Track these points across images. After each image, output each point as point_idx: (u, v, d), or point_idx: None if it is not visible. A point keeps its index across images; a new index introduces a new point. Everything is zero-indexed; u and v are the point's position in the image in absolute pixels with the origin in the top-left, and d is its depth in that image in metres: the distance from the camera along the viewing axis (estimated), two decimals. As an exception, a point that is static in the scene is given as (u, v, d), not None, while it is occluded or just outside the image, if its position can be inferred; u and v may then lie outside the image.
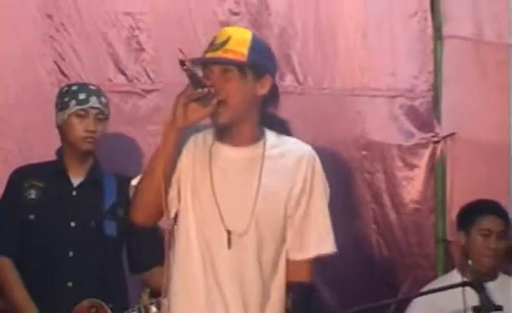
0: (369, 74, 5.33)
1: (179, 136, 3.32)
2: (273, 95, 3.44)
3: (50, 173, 4.44)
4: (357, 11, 5.32)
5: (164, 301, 3.85)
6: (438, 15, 5.40)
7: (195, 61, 3.32)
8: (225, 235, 3.36)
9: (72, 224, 4.37)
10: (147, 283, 4.35)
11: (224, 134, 3.39)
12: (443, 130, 5.39)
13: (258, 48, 3.41)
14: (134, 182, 3.43)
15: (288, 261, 3.43)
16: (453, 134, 5.38)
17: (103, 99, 4.42)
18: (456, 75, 5.43)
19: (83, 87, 4.47)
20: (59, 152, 4.47)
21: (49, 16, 4.98)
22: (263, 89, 3.38)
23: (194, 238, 3.39)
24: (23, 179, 4.42)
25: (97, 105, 4.37)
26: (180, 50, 3.49)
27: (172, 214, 3.41)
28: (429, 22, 5.40)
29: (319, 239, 3.47)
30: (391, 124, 5.36)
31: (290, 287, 3.43)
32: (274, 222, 3.41)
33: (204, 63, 3.34)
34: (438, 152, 5.39)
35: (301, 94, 5.24)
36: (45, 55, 4.98)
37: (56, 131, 4.49)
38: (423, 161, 5.36)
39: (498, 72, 5.37)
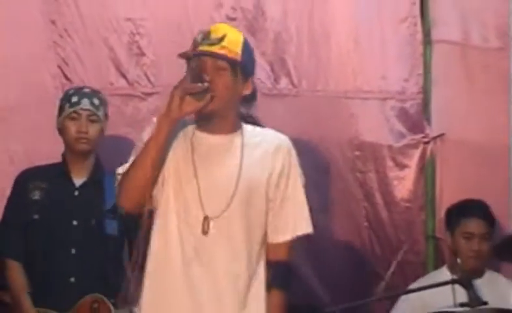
0: (361, 77, 5.33)
1: (172, 127, 3.34)
2: (253, 97, 3.52)
3: (53, 175, 4.47)
4: (350, 17, 5.31)
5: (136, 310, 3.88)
6: (427, 20, 5.39)
7: (193, 54, 3.38)
8: (201, 219, 3.39)
9: (74, 223, 4.41)
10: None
11: (205, 123, 3.45)
12: (432, 131, 5.38)
13: (248, 51, 3.51)
14: (120, 170, 3.45)
15: (267, 243, 3.50)
16: (442, 134, 5.37)
17: (95, 101, 4.44)
18: (445, 78, 5.42)
19: (78, 90, 4.50)
20: (63, 155, 4.50)
21: (53, 22, 5.02)
22: (247, 90, 3.47)
23: (174, 229, 3.41)
24: (28, 181, 4.45)
25: (88, 106, 4.41)
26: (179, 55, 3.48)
27: (153, 205, 3.42)
28: (419, 27, 5.38)
29: (295, 222, 3.53)
30: (382, 126, 5.36)
31: (270, 265, 3.49)
32: (256, 204, 3.46)
33: (195, 55, 3.38)
34: (428, 152, 5.37)
35: (296, 97, 5.26)
36: (49, 59, 5.01)
37: (58, 132, 4.55)
38: (413, 161, 5.36)
39: (485, 75, 5.37)
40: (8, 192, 4.59)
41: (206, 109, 3.35)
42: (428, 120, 5.40)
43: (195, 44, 3.42)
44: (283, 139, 3.55)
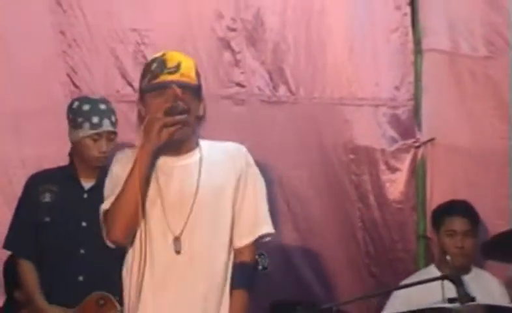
0: (355, 84, 5.35)
1: (151, 156, 3.35)
2: (203, 116, 3.50)
3: (63, 178, 4.46)
4: (344, 28, 5.33)
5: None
6: (418, 30, 5.43)
7: (156, 85, 3.37)
8: (171, 239, 3.40)
9: (83, 224, 4.40)
10: None
11: (165, 147, 3.41)
12: (423, 135, 5.42)
13: (198, 74, 3.50)
14: (106, 206, 3.45)
15: (233, 248, 3.50)
16: (432, 139, 5.42)
17: (113, 118, 4.42)
18: (435, 85, 5.45)
19: (95, 107, 4.40)
20: (71, 157, 4.47)
21: (62, 33, 4.99)
22: (201, 110, 3.47)
23: (138, 250, 3.43)
24: (38, 184, 4.43)
25: (109, 128, 4.38)
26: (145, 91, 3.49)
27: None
28: (410, 37, 5.41)
29: (255, 225, 3.55)
30: (375, 131, 5.38)
31: (234, 266, 3.50)
32: (218, 213, 3.47)
33: (161, 85, 3.37)
34: (419, 156, 5.42)
35: (294, 104, 5.27)
36: (59, 68, 4.99)
37: (67, 137, 4.46)
38: (405, 164, 5.39)
39: (473, 82, 5.40)
40: (19, 193, 4.56)
41: (176, 135, 3.36)
42: (419, 125, 5.43)
43: (153, 74, 3.41)
44: (238, 148, 3.57)
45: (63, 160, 4.52)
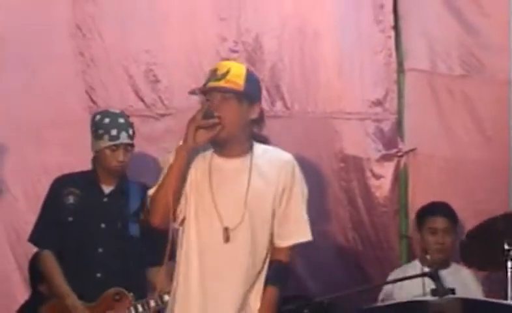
0: (344, 100, 5.35)
1: (188, 155, 3.39)
2: (261, 118, 3.52)
3: (85, 182, 4.45)
4: (335, 50, 5.34)
5: (166, 297, 3.92)
6: (400, 52, 5.44)
7: (202, 89, 3.43)
8: (221, 231, 3.42)
9: (102, 226, 4.40)
10: (148, 278, 4.41)
11: (220, 149, 3.46)
12: (405, 146, 5.42)
13: (251, 80, 3.50)
14: (150, 192, 3.48)
15: (272, 247, 3.52)
16: (413, 149, 5.42)
17: (130, 131, 4.42)
18: (416, 101, 5.46)
19: (114, 121, 4.40)
20: (93, 163, 4.46)
21: (82, 54, 5.02)
22: (254, 114, 3.47)
23: (194, 239, 3.45)
24: (63, 187, 4.43)
25: (126, 140, 4.38)
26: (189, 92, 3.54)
27: (179, 220, 3.46)
28: (393, 58, 5.42)
29: (297, 230, 3.55)
30: (362, 142, 5.38)
31: (271, 263, 3.51)
32: (262, 215, 3.48)
33: (208, 90, 3.42)
34: (401, 164, 5.42)
35: (289, 118, 5.28)
36: (78, 86, 5.01)
37: (85, 146, 4.48)
38: (389, 172, 5.38)
39: (450, 98, 5.43)
40: (42, 197, 4.57)
41: (217, 137, 3.39)
42: (402, 137, 5.44)
43: (206, 81, 3.46)
44: (287, 158, 3.57)
45: (81, 167, 4.52)
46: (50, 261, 4.37)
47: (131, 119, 4.80)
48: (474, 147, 5.37)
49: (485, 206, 5.18)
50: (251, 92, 3.47)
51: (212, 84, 3.42)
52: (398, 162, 5.40)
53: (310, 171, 5.18)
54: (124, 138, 4.36)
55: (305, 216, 3.55)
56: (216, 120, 3.35)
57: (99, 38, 5.02)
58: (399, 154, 5.41)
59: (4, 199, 4.83)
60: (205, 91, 3.44)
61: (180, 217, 3.46)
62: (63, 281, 4.32)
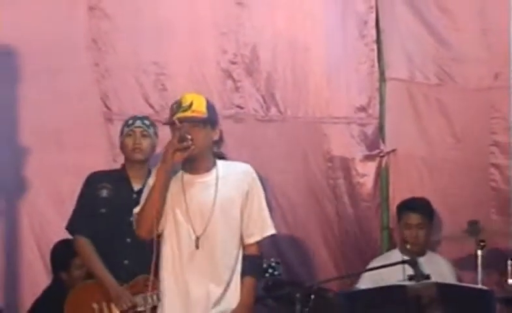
0: (331, 106, 5.36)
1: (168, 174, 3.57)
2: (221, 139, 3.72)
3: (117, 179, 4.43)
4: (323, 61, 5.35)
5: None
6: (382, 63, 5.46)
7: (174, 120, 3.60)
8: (194, 238, 3.59)
9: (131, 219, 4.22)
10: None
11: (189, 167, 3.64)
12: (386, 147, 5.44)
13: (211, 108, 3.71)
14: (136, 210, 3.68)
15: (243, 245, 3.69)
16: (393, 150, 5.44)
17: (146, 121, 4.44)
18: (396, 107, 5.48)
19: (133, 117, 4.49)
20: (124, 164, 4.47)
21: (97, 65, 5.00)
22: (216, 136, 3.68)
23: (175, 246, 3.63)
24: (98, 181, 4.41)
25: (139, 124, 4.40)
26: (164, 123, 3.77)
27: (160, 230, 3.64)
28: (376, 68, 5.44)
29: (262, 227, 3.72)
30: (348, 143, 5.39)
31: (244, 258, 3.69)
32: (232, 218, 3.66)
33: (179, 120, 3.59)
34: (383, 164, 5.44)
35: (283, 122, 5.29)
36: (94, 93, 4.99)
37: (100, 148, 4.56)
38: (372, 170, 5.40)
39: (426, 104, 5.46)
40: (63, 195, 4.65)
41: (189, 155, 3.56)
42: (383, 139, 5.46)
43: (172, 112, 3.66)
44: (246, 167, 3.77)
45: (96, 167, 4.53)
46: (88, 247, 4.34)
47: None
48: (447, 148, 5.41)
49: (457, 200, 5.26)
50: (212, 117, 3.69)
51: (182, 115, 3.62)
52: (380, 161, 5.43)
53: (300, 169, 5.29)
54: (138, 124, 4.41)
55: (266, 215, 3.73)
56: (190, 143, 3.55)
57: (113, 51, 5.01)
58: (381, 154, 5.43)
59: (28, 196, 4.79)
60: (176, 121, 3.61)
61: (160, 230, 3.64)
62: (101, 264, 4.30)
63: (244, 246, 3.70)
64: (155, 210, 3.56)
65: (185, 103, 3.64)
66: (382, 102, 5.45)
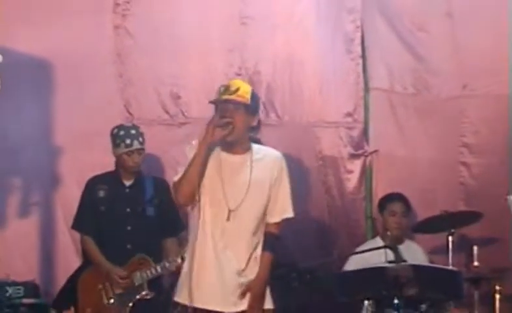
0: (323, 112, 5.34)
1: (208, 148, 3.46)
2: (258, 126, 3.60)
3: (111, 179, 4.49)
4: (315, 73, 5.32)
5: (178, 260, 3.99)
6: (366, 75, 5.43)
7: (220, 100, 3.50)
8: (226, 211, 3.48)
9: (128, 210, 4.45)
10: (164, 247, 4.43)
11: (227, 146, 3.52)
12: (370, 148, 5.42)
13: (255, 97, 3.60)
14: (175, 178, 3.53)
15: (266, 222, 3.59)
16: (376, 151, 5.42)
17: (140, 139, 4.44)
18: (378, 113, 5.46)
19: (127, 132, 4.43)
20: (116, 165, 4.50)
21: (120, 76, 5.01)
22: (254, 122, 3.56)
23: (208, 215, 3.50)
24: (95, 184, 4.48)
25: (138, 146, 4.42)
26: (210, 102, 3.58)
27: (197, 200, 3.51)
28: (361, 79, 5.40)
29: (284, 209, 3.62)
30: (337, 145, 5.37)
31: (265, 234, 3.59)
32: (261, 198, 3.55)
33: (225, 101, 3.49)
34: (367, 162, 5.41)
35: (281, 126, 5.27)
36: (118, 101, 5.02)
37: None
38: (357, 168, 5.38)
39: (405, 111, 5.45)
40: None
41: (228, 137, 3.47)
42: (367, 141, 5.44)
43: (219, 93, 3.54)
44: (278, 155, 3.65)
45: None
46: (90, 243, 4.43)
47: (159, 127, 4.93)
48: (423, 149, 5.40)
49: (431, 193, 5.26)
50: (254, 106, 3.57)
51: (227, 97, 3.50)
52: (365, 160, 5.41)
53: (296, 167, 5.16)
54: (136, 145, 4.42)
55: (289, 199, 3.63)
56: (229, 120, 3.44)
57: (135, 64, 5.03)
58: (365, 154, 5.42)
59: (61, 190, 4.86)
60: (221, 101, 3.51)
61: (197, 198, 3.50)
62: (100, 256, 4.38)
63: (266, 225, 3.59)
64: (194, 180, 3.43)
65: (233, 87, 3.51)
66: (366, 109, 5.44)
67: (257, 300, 3.54)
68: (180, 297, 3.52)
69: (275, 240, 3.62)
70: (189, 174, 3.47)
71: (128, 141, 4.40)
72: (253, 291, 3.52)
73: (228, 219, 3.48)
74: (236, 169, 3.52)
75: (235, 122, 3.46)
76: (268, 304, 3.61)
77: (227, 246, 3.50)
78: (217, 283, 3.47)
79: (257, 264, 3.55)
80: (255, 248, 3.56)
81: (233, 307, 3.50)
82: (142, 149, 4.44)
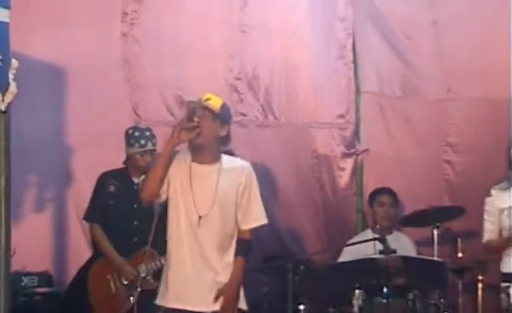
0: (317, 114, 5.35)
1: (173, 149, 3.44)
2: (227, 137, 3.54)
3: (121, 176, 4.48)
4: (310, 77, 5.32)
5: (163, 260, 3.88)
6: (357, 79, 5.44)
7: (194, 103, 3.47)
8: (197, 217, 3.46)
9: (135, 206, 4.41)
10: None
11: (196, 156, 3.48)
12: (361, 147, 5.43)
13: (225, 109, 3.54)
14: (141, 178, 3.59)
15: (238, 229, 3.56)
16: (366, 149, 5.44)
17: (154, 140, 4.44)
18: (368, 115, 5.44)
19: (142, 133, 4.44)
20: (126, 162, 4.49)
21: (128, 81, 5.01)
22: (223, 132, 3.50)
23: (182, 220, 3.49)
24: (106, 179, 4.47)
25: (151, 147, 4.42)
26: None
27: (161, 199, 3.51)
28: (352, 83, 5.41)
29: (256, 217, 3.57)
30: (330, 144, 5.38)
31: (238, 241, 3.55)
32: (228, 206, 3.51)
33: (197, 107, 3.45)
34: (358, 161, 5.42)
35: (278, 127, 5.28)
36: (126, 104, 5.01)
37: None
38: (349, 166, 5.39)
39: (392, 113, 5.46)
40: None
41: (194, 141, 3.42)
42: (358, 140, 5.45)
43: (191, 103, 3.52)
44: (245, 165, 3.60)
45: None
46: (99, 233, 4.43)
47: (164, 128, 4.86)
48: (410, 148, 5.41)
49: (417, 191, 5.26)
50: (222, 116, 3.51)
51: (196, 104, 3.48)
52: (356, 158, 5.42)
53: (292, 165, 5.29)
54: (149, 146, 4.42)
55: (260, 206, 3.58)
56: (196, 124, 3.40)
57: (142, 69, 5.02)
58: (356, 153, 5.43)
59: (74, 186, 4.86)
60: (190, 106, 3.48)
61: (162, 197, 3.49)
62: (109, 245, 4.39)
63: (239, 231, 3.55)
64: (158, 179, 3.41)
65: (204, 97, 3.50)
66: (357, 111, 5.45)
67: (231, 302, 3.51)
68: (161, 300, 3.53)
69: (247, 246, 3.58)
70: (153, 173, 3.46)
71: (143, 142, 4.40)
72: (226, 294, 3.50)
73: (198, 226, 3.46)
74: (204, 178, 3.49)
75: (201, 126, 3.42)
76: (242, 304, 3.58)
77: (200, 250, 3.48)
78: (193, 285, 3.47)
79: (230, 267, 3.51)
80: (227, 253, 3.52)
81: (209, 306, 3.49)
82: (154, 150, 4.44)
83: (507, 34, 5.22)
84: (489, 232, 4.13)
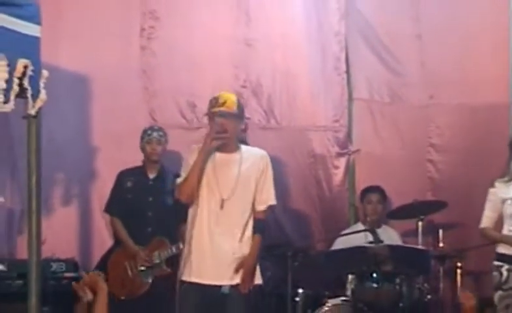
0: (314, 118, 5.33)
1: (206, 157, 3.50)
2: (245, 129, 3.74)
3: (138, 172, 4.52)
4: (308, 86, 5.31)
5: (180, 245, 3.93)
6: (350, 86, 5.42)
7: (214, 113, 3.52)
8: (220, 200, 3.52)
9: (150, 199, 4.47)
10: (180, 230, 4.33)
11: (219, 148, 3.56)
12: (353, 148, 5.42)
13: (240, 105, 3.63)
14: (179, 180, 3.57)
15: (254, 210, 3.63)
16: (358, 150, 5.42)
17: (160, 133, 4.50)
18: (360, 119, 5.44)
19: (151, 128, 4.56)
20: (143, 161, 4.54)
21: (146, 88, 4.99)
22: (242, 126, 3.66)
23: (205, 204, 3.53)
24: (125, 176, 4.52)
25: (156, 136, 4.48)
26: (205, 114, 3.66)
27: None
28: (345, 90, 5.39)
29: (268, 198, 3.65)
30: (325, 145, 5.36)
31: (254, 220, 3.62)
32: (248, 189, 3.59)
33: (221, 118, 3.53)
34: (351, 160, 5.41)
35: (279, 130, 5.25)
36: (144, 109, 4.97)
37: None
38: (343, 164, 5.38)
39: (382, 117, 5.44)
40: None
41: (220, 144, 3.52)
42: (351, 142, 5.43)
43: (211, 105, 3.59)
44: (263, 153, 3.70)
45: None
46: (118, 224, 4.47)
47: (177, 130, 4.89)
48: (396, 149, 5.41)
49: (403, 187, 5.25)
50: (239, 112, 3.61)
51: (217, 109, 3.54)
52: (349, 158, 5.41)
53: (292, 164, 5.28)
54: (154, 135, 4.48)
55: (273, 189, 3.66)
56: (225, 135, 3.49)
57: (158, 78, 5.00)
58: (349, 153, 5.41)
59: (98, 182, 4.85)
60: (214, 114, 3.54)
61: (196, 195, 3.54)
62: (126, 235, 4.41)
63: (254, 212, 3.62)
64: (195, 183, 3.47)
65: (221, 100, 3.55)
66: (350, 115, 5.44)
67: (249, 274, 3.55)
68: (183, 276, 3.55)
69: (263, 224, 3.65)
70: (190, 178, 3.51)
71: (149, 132, 4.50)
72: (245, 267, 3.54)
73: (221, 207, 3.52)
74: (227, 165, 3.56)
75: (228, 130, 3.51)
76: (258, 279, 3.62)
77: (221, 230, 3.52)
78: (213, 261, 3.51)
79: (248, 244, 3.56)
80: (245, 230, 3.57)
81: (229, 281, 3.53)
82: (160, 140, 4.46)
83: (485, 48, 5.32)
84: (488, 219, 4.10)
